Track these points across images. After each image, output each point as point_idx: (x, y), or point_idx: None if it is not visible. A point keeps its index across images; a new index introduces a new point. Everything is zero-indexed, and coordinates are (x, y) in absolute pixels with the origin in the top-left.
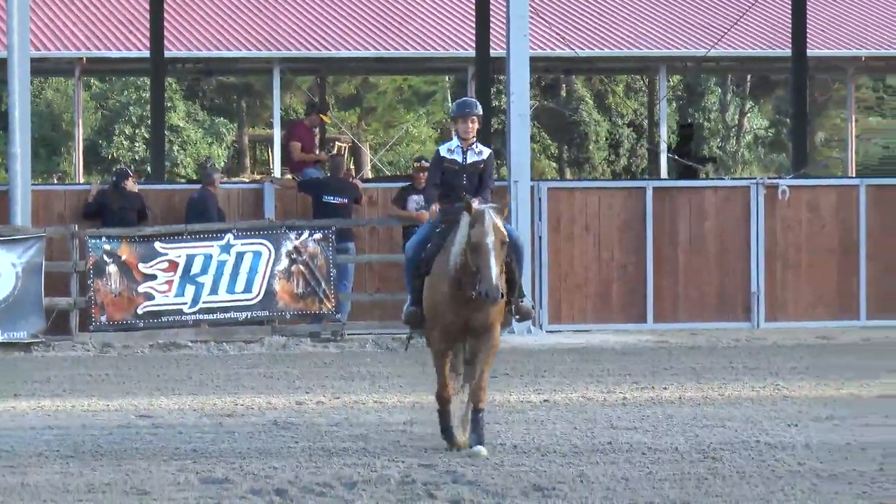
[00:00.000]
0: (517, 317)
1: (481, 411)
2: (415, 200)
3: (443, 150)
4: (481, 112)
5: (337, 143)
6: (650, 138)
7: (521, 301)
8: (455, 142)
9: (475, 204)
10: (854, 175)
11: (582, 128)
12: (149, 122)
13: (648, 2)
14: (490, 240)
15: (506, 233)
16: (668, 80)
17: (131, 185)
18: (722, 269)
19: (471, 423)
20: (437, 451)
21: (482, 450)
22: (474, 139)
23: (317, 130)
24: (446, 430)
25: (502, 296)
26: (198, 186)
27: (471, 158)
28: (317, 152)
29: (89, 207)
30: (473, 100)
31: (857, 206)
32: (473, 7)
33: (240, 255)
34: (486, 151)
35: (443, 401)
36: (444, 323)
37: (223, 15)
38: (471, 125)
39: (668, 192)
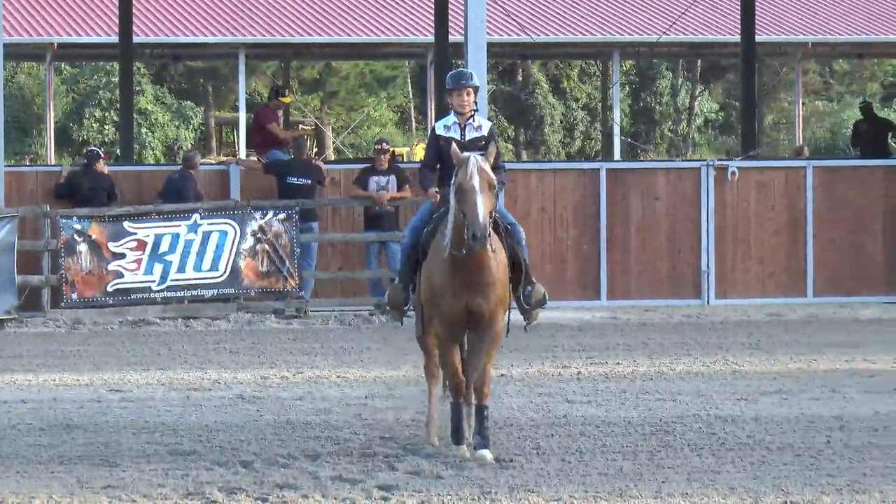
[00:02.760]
0: (527, 306)
1: (486, 408)
2: (375, 181)
3: (439, 128)
4: (478, 83)
5: (300, 125)
6: (604, 121)
7: (532, 288)
8: (451, 117)
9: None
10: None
11: (538, 111)
12: (118, 105)
13: None
14: (475, 181)
15: (493, 176)
16: (622, 65)
17: (101, 166)
18: (673, 248)
19: (476, 423)
20: (398, 425)
21: (487, 454)
22: (472, 112)
23: (281, 113)
24: (458, 430)
25: (489, 240)
26: (165, 168)
27: (470, 135)
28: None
29: (60, 188)
30: (468, 70)
31: (805, 186)
32: None
33: (206, 235)
34: (487, 125)
35: (457, 390)
36: (443, 309)
37: (189, 1)
38: (466, 97)
39: (621, 173)
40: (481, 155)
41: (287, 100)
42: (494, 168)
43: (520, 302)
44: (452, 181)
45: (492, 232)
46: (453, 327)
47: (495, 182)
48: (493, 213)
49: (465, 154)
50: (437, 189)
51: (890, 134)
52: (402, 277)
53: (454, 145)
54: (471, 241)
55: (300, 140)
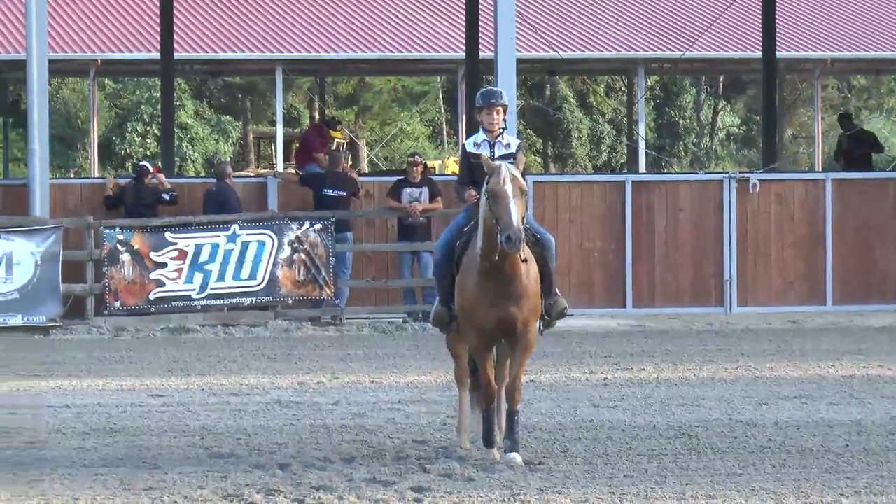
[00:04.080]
0: (547, 318)
1: (516, 413)
2: (408, 193)
3: (469, 145)
4: (507, 102)
5: (336, 139)
6: (629, 135)
7: (554, 300)
8: (481, 134)
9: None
10: (820, 169)
11: (565, 125)
12: (159, 119)
13: (628, 7)
14: (508, 187)
15: (524, 183)
16: (646, 81)
17: (149, 180)
18: (696, 258)
19: (506, 427)
20: (431, 428)
21: (517, 457)
22: (501, 130)
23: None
24: (489, 435)
25: (522, 243)
26: (203, 180)
27: (499, 152)
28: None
29: (109, 200)
30: (498, 89)
31: (824, 198)
32: (464, 12)
33: (245, 245)
34: (515, 142)
35: (489, 398)
36: (477, 320)
37: (229, 19)
38: (496, 116)
39: (646, 185)
40: (511, 163)
41: (337, 135)
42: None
43: (543, 313)
44: (484, 188)
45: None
46: (487, 337)
47: (526, 188)
48: (524, 220)
49: (497, 162)
50: (474, 192)
51: (872, 145)
52: (442, 298)
53: (484, 154)
54: (505, 245)
55: (336, 154)
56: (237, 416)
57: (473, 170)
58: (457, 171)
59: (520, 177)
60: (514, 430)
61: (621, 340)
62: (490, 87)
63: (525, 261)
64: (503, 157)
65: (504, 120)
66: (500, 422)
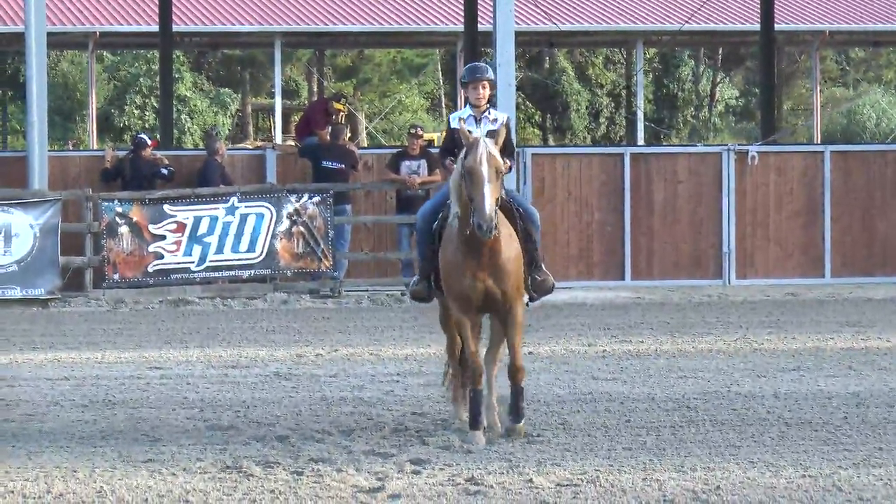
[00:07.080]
0: (535, 293)
1: (522, 389)
2: (406, 165)
3: (453, 121)
4: (493, 77)
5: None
6: (628, 107)
7: (540, 276)
8: (467, 110)
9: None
10: (819, 142)
11: (564, 98)
12: (158, 92)
13: None
14: (484, 168)
15: (501, 162)
16: (645, 53)
17: (148, 154)
18: (695, 230)
19: (511, 399)
20: (429, 401)
21: (521, 427)
22: (487, 105)
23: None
24: (475, 417)
25: (496, 230)
26: (201, 153)
27: (485, 127)
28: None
29: (107, 173)
30: (484, 64)
31: (823, 170)
32: None
33: (244, 217)
34: (502, 117)
35: (476, 375)
36: (458, 291)
37: None
38: (482, 91)
39: (645, 157)
40: (491, 138)
41: (339, 106)
42: (503, 153)
43: (527, 287)
44: (462, 160)
45: (503, 218)
46: (469, 308)
47: (503, 168)
48: (500, 200)
49: (475, 136)
50: (452, 160)
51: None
52: (422, 273)
53: (463, 125)
54: (477, 231)
55: (335, 126)
56: (236, 389)
57: (457, 146)
58: None
59: (497, 155)
60: (519, 403)
61: (620, 313)
62: (475, 63)
63: (499, 233)
64: (490, 133)
65: (491, 95)
66: (491, 402)
